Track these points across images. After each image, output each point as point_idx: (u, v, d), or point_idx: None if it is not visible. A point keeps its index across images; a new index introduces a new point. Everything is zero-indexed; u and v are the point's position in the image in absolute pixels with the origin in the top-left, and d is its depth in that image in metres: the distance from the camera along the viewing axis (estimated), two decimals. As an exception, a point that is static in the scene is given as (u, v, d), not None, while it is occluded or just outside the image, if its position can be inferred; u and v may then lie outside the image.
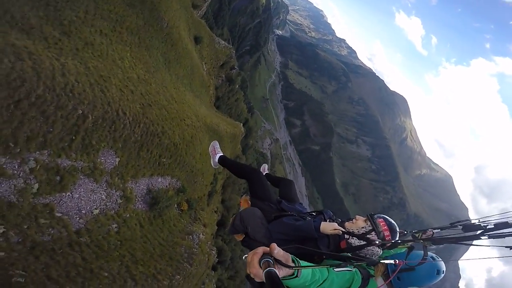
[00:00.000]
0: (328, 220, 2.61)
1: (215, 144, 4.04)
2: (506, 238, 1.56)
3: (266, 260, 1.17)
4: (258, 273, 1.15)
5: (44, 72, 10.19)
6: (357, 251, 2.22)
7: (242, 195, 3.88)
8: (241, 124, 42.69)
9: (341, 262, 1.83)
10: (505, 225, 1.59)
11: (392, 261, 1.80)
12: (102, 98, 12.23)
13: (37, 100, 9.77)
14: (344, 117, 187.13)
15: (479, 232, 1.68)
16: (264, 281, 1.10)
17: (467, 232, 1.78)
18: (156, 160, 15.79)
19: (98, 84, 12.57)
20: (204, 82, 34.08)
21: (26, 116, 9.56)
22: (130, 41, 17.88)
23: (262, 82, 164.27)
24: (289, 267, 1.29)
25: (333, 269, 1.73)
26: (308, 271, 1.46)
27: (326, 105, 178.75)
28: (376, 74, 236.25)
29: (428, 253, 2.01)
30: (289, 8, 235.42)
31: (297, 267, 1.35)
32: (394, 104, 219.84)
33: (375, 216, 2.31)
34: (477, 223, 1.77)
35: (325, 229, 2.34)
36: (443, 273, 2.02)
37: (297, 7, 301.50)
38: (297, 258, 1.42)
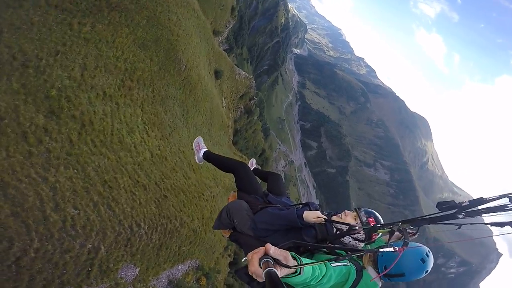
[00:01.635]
0: (313, 210, 2.43)
1: (199, 139, 3.80)
2: (483, 215, 1.47)
3: (266, 260, 1.14)
4: (259, 273, 1.12)
5: (31, 215, 7.86)
6: (339, 238, 2.14)
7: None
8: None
9: (334, 255, 1.80)
10: (480, 201, 1.51)
11: (391, 249, 1.66)
12: (112, 218, 9.92)
13: (37, 253, 8.18)
14: (362, 140, 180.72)
15: (455, 210, 1.59)
16: (264, 281, 1.07)
17: (444, 212, 1.64)
18: (176, 251, 14.18)
19: (103, 199, 9.80)
20: (224, 123, 30.16)
21: (33, 269, 8.25)
22: (142, 98, 14.12)
23: (279, 102, 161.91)
24: (287, 266, 1.23)
25: (330, 264, 1.67)
26: (309, 267, 1.40)
27: (343, 127, 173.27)
28: (396, 94, 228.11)
29: (420, 248, 1.98)
30: (307, 26, 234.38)
31: (297, 266, 1.29)
32: (415, 126, 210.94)
33: (362, 209, 2.25)
34: (451, 201, 1.66)
35: (308, 217, 2.25)
36: (427, 256, 1.95)
37: (316, 26, 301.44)
38: (298, 255, 1.36)
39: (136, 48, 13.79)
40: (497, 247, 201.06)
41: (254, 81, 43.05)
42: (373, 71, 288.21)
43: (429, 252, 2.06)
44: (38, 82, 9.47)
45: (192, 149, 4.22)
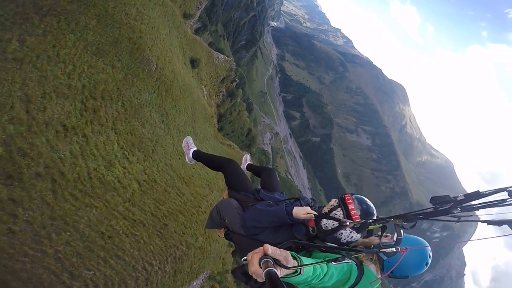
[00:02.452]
0: (304, 205, 2.22)
1: (188, 139, 3.58)
2: (480, 210, 1.45)
3: (266, 260, 1.10)
4: (259, 273, 1.08)
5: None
6: (330, 235, 1.96)
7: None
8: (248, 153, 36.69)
9: (335, 255, 1.72)
10: (476, 195, 1.42)
11: (393, 249, 1.58)
12: (125, 266, 8.97)
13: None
14: (343, 107, 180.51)
15: (450, 205, 1.53)
16: (264, 281, 1.04)
17: (438, 206, 1.57)
18: (188, 272, 13.28)
19: (109, 252, 8.82)
20: (207, 114, 27.67)
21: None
22: (112, 118, 11.39)
23: (260, 76, 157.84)
24: (286, 267, 1.18)
25: (331, 262, 1.55)
26: (309, 267, 1.34)
27: (324, 96, 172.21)
28: (373, 63, 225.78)
29: (424, 257, 1.89)
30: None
31: (298, 266, 1.24)
32: (392, 92, 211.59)
33: (347, 195, 2.02)
34: (446, 195, 1.59)
35: (298, 213, 2.08)
36: (429, 258, 1.89)
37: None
38: (298, 255, 1.31)
39: (90, 57, 10.80)
40: (474, 212, 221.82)
41: (234, 63, 39.81)
42: (350, 41, 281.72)
43: (430, 251, 1.88)
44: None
45: (182, 149, 3.84)
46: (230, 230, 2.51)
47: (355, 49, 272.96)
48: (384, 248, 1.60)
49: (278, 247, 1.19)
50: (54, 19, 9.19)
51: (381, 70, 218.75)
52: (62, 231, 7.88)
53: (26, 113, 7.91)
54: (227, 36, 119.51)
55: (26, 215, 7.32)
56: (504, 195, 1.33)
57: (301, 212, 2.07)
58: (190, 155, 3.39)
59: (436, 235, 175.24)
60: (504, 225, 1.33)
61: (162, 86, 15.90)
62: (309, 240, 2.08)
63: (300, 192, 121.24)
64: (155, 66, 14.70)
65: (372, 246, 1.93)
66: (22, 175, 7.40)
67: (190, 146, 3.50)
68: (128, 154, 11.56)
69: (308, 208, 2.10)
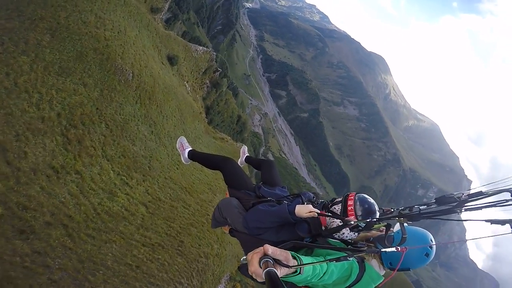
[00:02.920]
0: (306, 202, 2.19)
1: (182, 140, 3.40)
2: (483, 209, 1.42)
3: (266, 260, 1.08)
4: (258, 273, 1.06)
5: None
6: (333, 233, 1.94)
7: None
8: (244, 145, 35.57)
9: (336, 252, 1.69)
10: (479, 195, 1.43)
11: (393, 249, 1.53)
12: None
13: None
14: (327, 81, 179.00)
15: (454, 204, 1.51)
16: (264, 281, 1.03)
17: (442, 206, 1.58)
18: (211, 279, 12.93)
19: (141, 281, 8.36)
20: (195, 111, 26.07)
21: None
22: (100, 143, 10.10)
23: (241, 59, 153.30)
24: (288, 266, 1.17)
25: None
26: (308, 266, 1.32)
27: (307, 72, 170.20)
28: (351, 37, 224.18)
29: (419, 231, 1.82)
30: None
31: (298, 265, 1.22)
32: (373, 63, 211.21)
33: (351, 193, 2.03)
34: (451, 195, 1.58)
35: (300, 212, 2.00)
36: (430, 248, 1.78)
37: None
38: (298, 255, 1.29)
39: (55, 79, 9.07)
40: (465, 173, 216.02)
41: (214, 53, 37.42)
42: (326, 17, 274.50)
43: (432, 241, 1.80)
44: None
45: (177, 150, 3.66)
46: (233, 228, 2.46)
47: (332, 24, 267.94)
48: (385, 249, 1.53)
49: (278, 247, 1.16)
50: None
51: (359, 43, 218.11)
52: (95, 271, 7.44)
53: (7, 165, 6.63)
54: (201, 23, 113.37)
55: (57, 263, 6.80)
56: (506, 195, 1.35)
57: (304, 211, 2.01)
58: (186, 155, 3.25)
59: (433, 200, 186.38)
60: (506, 224, 1.32)
61: (143, 94, 14.31)
62: (313, 237, 2.04)
63: (296, 170, 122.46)
64: (130, 74, 13.01)
65: (372, 238, 1.96)
66: (33, 227, 6.61)
67: (184, 146, 3.35)
68: (127, 179, 10.44)
69: (310, 206, 2.04)
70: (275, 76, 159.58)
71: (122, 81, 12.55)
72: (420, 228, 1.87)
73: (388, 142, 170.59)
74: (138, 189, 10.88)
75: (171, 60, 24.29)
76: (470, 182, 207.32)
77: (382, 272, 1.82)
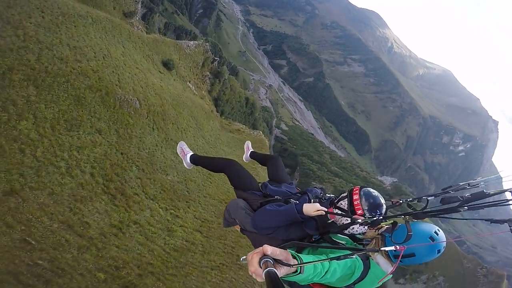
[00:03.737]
0: (313, 200, 2.24)
1: (182, 145, 3.32)
2: (485, 208, 1.45)
3: (266, 260, 1.07)
4: (259, 273, 1.05)
5: None
6: (342, 230, 1.92)
7: None
8: (261, 133, 33.96)
9: (338, 251, 1.68)
10: (481, 194, 1.46)
11: (392, 248, 1.51)
12: None
13: None
14: (325, 43, 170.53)
15: (457, 203, 1.54)
16: (264, 281, 1.02)
17: (446, 205, 1.61)
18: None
19: None
20: (206, 111, 24.63)
21: None
22: (137, 186, 9.36)
23: (232, 37, 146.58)
24: (289, 265, 1.15)
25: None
26: (309, 266, 1.31)
27: (303, 37, 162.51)
28: None
29: (428, 226, 1.69)
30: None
31: (298, 264, 1.20)
32: (368, 19, 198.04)
33: (356, 187, 1.99)
34: (455, 195, 1.63)
35: (308, 210, 2.00)
36: (443, 248, 1.69)
37: None
38: (298, 254, 1.27)
39: (69, 137, 7.62)
40: (490, 114, 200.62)
41: (207, 44, 34.75)
42: None
43: (439, 231, 1.70)
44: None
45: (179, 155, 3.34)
46: (243, 228, 2.45)
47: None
48: (384, 247, 1.51)
49: (278, 247, 1.15)
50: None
51: (348, 1, 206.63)
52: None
53: (81, 238, 6.21)
54: (180, 11, 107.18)
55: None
56: (507, 195, 1.35)
57: (311, 209, 1.99)
58: (188, 160, 3.17)
59: (460, 148, 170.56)
60: (505, 223, 1.38)
61: (156, 118, 13.01)
62: (322, 234, 2.01)
63: (312, 135, 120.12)
64: (137, 102, 11.66)
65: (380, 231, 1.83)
66: (132, 282, 6.37)
67: (185, 151, 3.27)
68: (175, 211, 9.76)
69: (317, 204, 2.03)
70: (271, 47, 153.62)
71: (132, 112, 11.25)
72: (428, 225, 1.70)
73: (402, 93, 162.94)
74: (187, 217, 10.22)
75: (167, 65, 22.42)
76: (496, 122, 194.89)
77: (390, 268, 1.68)
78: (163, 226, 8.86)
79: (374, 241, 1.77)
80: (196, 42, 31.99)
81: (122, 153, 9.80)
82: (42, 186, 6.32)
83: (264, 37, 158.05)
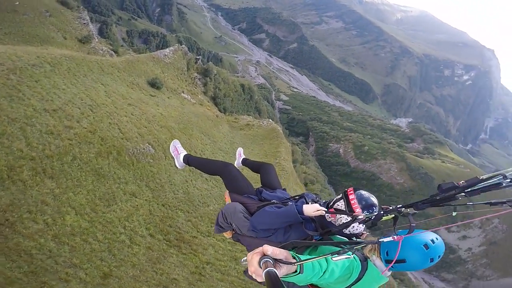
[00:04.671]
0: (310, 202, 2.22)
1: (176, 143, 3.26)
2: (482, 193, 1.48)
3: (266, 260, 1.08)
4: (259, 273, 1.06)
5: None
6: (342, 229, 1.94)
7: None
8: (270, 121, 31.92)
9: (336, 247, 1.66)
10: (476, 180, 1.46)
11: (390, 238, 1.54)
12: None
13: None
14: (296, 7, 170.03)
15: (454, 191, 1.52)
16: (264, 281, 1.03)
17: (444, 193, 1.57)
18: None
19: None
20: (212, 119, 22.80)
21: None
22: (195, 230, 8.99)
23: (202, 25, 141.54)
24: (289, 263, 1.16)
25: (331, 258, 1.52)
26: (308, 265, 1.32)
27: (273, 7, 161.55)
28: None
29: (426, 234, 1.66)
30: None
31: (298, 262, 1.20)
32: None
33: (350, 188, 2.04)
34: (450, 182, 1.56)
35: (308, 211, 2.04)
36: (438, 258, 1.62)
37: None
38: (297, 254, 1.27)
39: (111, 212, 6.38)
40: (482, 44, 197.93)
41: (184, 47, 32.07)
42: None
43: (436, 240, 1.63)
44: None
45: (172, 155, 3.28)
46: (238, 233, 2.40)
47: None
48: (383, 238, 1.55)
49: (277, 247, 1.16)
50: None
51: None
52: None
53: None
54: (137, 15, 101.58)
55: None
56: (500, 178, 1.38)
57: (311, 209, 2.02)
58: (181, 160, 3.07)
59: (465, 77, 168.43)
60: (504, 204, 1.40)
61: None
62: (322, 235, 2.00)
63: (314, 97, 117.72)
64: (149, 147, 10.01)
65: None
66: None
67: (179, 150, 3.17)
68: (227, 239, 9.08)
69: (317, 205, 2.06)
70: (245, 25, 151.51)
71: (151, 160, 9.68)
72: (427, 233, 1.66)
73: (388, 38, 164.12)
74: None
75: (155, 84, 20.23)
76: (491, 50, 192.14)
77: (387, 274, 1.70)
78: (229, 257, 8.64)
79: (370, 246, 1.73)
80: (172, 48, 29.13)
81: (163, 205, 8.95)
82: (123, 262, 6.18)
83: (235, 16, 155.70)
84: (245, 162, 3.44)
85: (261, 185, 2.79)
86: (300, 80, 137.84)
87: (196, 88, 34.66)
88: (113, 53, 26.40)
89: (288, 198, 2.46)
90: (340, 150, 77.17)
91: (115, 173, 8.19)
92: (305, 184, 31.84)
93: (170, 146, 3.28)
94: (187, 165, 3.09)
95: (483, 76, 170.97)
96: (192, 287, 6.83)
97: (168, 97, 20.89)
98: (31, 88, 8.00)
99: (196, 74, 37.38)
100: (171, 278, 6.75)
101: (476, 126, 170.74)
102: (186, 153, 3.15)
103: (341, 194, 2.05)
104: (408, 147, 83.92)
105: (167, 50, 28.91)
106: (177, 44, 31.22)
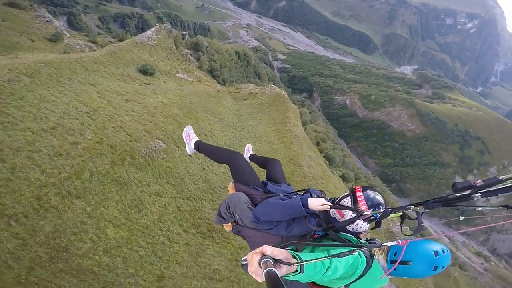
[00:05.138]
0: (315, 197, 2.18)
1: (189, 129, 3.32)
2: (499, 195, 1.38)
3: (266, 260, 1.07)
4: (259, 273, 1.06)
5: None
6: (347, 225, 1.92)
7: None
8: (274, 87, 30.06)
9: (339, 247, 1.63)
10: (495, 180, 1.36)
11: (395, 242, 1.48)
12: None
13: None
14: None
15: (469, 191, 1.44)
16: (264, 281, 1.02)
17: (458, 193, 1.49)
18: None
19: None
20: (214, 95, 21.69)
21: None
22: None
23: None
24: (289, 264, 1.15)
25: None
26: (309, 264, 1.29)
27: None
28: None
29: (436, 244, 1.61)
30: None
31: (298, 263, 1.18)
32: None
33: (358, 185, 1.99)
34: (466, 181, 1.48)
35: (313, 204, 2.01)
36: (442, 268, 1.58)
37: None
38: (297, 253, 1.26)
39: (146, 215, 6.68)
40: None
41: (167, 25, 29.57)
42: None
43: (446, 251, 1.60)
44: None
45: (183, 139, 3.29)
46: (240, 224, 2.39)
47: None
48: (387, 242, 1.50)
49: (277, 247, 1.15)
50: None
51: None
52: None
53: (223, 282, 6.66)
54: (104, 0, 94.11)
55: None
56: None
57: (316, 203, 1.99)
58: (192, 145, 3.12)
59: (469, 25, 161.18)
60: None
61: (183, 142, 11.05)
62: (325, 230, 1.98)
63: (312, 53, 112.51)
64: (160, 143, 9.49)
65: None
66: None
67: (191, 136, 3.21)
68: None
69: (323, 199, 2.04)
70: None
71: (165, 155, 9.19)
72: (438, 244, 1.62)
73: None
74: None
75: (147, 71, 18.92)
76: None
77: (388, 276, 1.69)
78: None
79: (380, 249, 1.66)
80: (154, 29, 26.62)
81: (188, 198, 8.81)
82: (169, 262, 6.39)
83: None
84: (252, 158, 3.44)
85: (266, 179, 2.78)
86: (295, 37, 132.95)
87: (190, 65, 32.82)
88: (92, 44, 24.57)
89: (293, 192, 2.46)
90: (347, 101, 75.72)
91: (134, 177, 7.94)
92: (317, 143, 31.23)
93: (183, 131, 3.30)
94: (197, 152, 3.09)
95: (488, 24, 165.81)
96: (232, 273, 6.96)
97: (164, 82, 19.77)
98: (19, 109, 7.36)
99: (186, 51, 35.20)
100: (213, 269, 6.87)
101: (485, 71, 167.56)
102: (197, 139, 3.16)
103: (348, 191, 2.04)
104: (416, 93, 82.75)
105: (149, 32, 26.58)
106: (157, 24, 28.57)
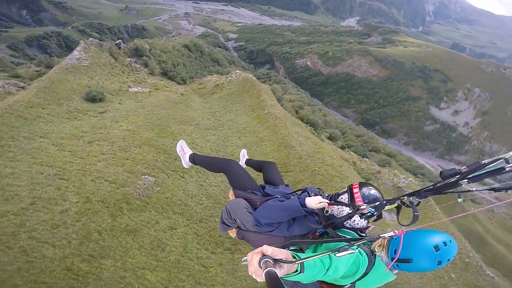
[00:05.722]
0: (313, 195, 2.21)
1: (182, 143, 3.37)
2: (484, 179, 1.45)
3: (266, 260, 1.07)
4: (259, 273, 1.06)
5: None
6: (345, 221, 1.95)
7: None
8: (239, 72, 28.45)
9: (339, 243, 1.67)
10: (479, 165, 1.42)
11: (391, 233, 1.54)
12: None
13: None
14: None
15: (456, 177, 1.51)
16: (264, 281, 1.02)
17: (446, 180, 1.56)
18: None
19: None
20: (179, 100, 20.02)
21: None
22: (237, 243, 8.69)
23: (94, 5, 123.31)
24: (289, 262, 1.15)
25: (334, 255, 1.46)
26: (310, 263, 1.29)
27: None
28: None
29: (440, 235, 1.54)
30: None
31: (297, 261, 1.19)
32: None
33: (355, 182, 2.06)
34: (452, 169, 1.55)
35: (311, 203, 2.04)
36: (447, 261, 1.51)
37: None
38: (297, 254, 1.27)
39: (164, 254, 6.34)
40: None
41: (93, 40, 26.28)
42: None
43: (450, 242, 1.50)
44: None
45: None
46: (243, 229, 2.43)
47: None
48: (383, 234, 1.55)
49: (277, 247, 1.15)
50: None
51: None
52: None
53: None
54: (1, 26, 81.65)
55: None
56: (502, 163, 1.34)
57: (314, 202, 2.01)
58: (187, 159, 3.16)
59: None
60: (510, 190, 1.34)
61: (166, 167, 9.93)
62: (324, 228, 2.00)
63: (261, 24, 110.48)
64: (147, 178, 8.40)
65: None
66: None
67: (185, 150, 3.27)
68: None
69: (320, 197, 2.04)
70: None
71: (158, 187, 8.34)
72: (441, 235, 1.54)
73: None
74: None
75: (95, 98, 16.42)
76: None
77: (394, 271, 1.68)
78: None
79: (380, 242, 1.68)
80: (79, 48, 23.20)
81: (200, 221, 8.48)
82: (214, 286, 6.56)
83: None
84: (248, 162, 3.47)
85: (264, 182, 2.81)
86: (240, 13, 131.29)
87: (139, 74, 29.87)
88: (16, 81, 20.75)
89: (291, 193, 2.50)
90: (308, 63, 77.78)
91: (141, 221, 7.43)
92: (296, 112, 31.20)
93: (177, 146, 3.32)
94: (193, 164, 3.12)
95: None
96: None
97: (119, 103, 17.77)
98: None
99: (129, 59, 31.73)
100: (252, 278, 6.79)
101: (419, 12, 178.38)
102: (191, 152, 3.19)
103: (346, 188, 2.07)
104: (368, 42, 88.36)
105: (75, 52, 22.98)
106: (81, 41, 24.96)
